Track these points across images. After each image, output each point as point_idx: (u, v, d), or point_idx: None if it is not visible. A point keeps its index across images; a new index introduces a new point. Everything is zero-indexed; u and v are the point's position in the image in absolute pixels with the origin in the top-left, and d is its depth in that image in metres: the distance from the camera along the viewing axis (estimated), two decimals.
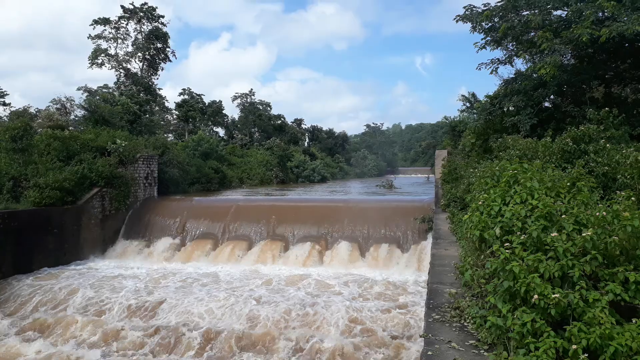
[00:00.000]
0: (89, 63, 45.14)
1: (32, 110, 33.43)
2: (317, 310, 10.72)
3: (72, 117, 32.97)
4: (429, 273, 7.96)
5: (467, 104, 31.20)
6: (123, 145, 19.85)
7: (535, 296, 4.01)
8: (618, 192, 6.16)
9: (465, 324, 5.19)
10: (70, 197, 16.84)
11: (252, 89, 71.55)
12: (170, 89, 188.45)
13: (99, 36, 45.69)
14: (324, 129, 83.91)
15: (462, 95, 30.61)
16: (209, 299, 11.61)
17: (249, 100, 68.07)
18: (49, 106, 33.26)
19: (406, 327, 10.00)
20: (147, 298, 11.89)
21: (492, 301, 4.55)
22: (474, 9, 14.51)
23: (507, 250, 4.47)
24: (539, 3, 13.57)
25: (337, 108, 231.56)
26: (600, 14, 12.08)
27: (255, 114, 64.41)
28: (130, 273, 14.75)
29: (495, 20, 14.17)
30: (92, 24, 45.29)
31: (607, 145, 9.40)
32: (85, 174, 17.61)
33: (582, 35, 11.20)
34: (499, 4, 14.17)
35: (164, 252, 17.03)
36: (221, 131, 62.95)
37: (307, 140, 78.30)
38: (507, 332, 4.19)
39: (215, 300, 11.47)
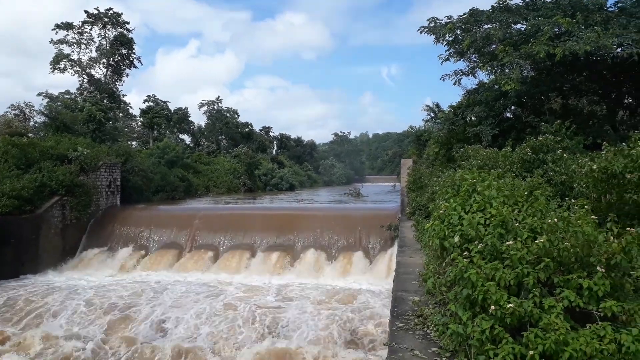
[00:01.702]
0: (51, 68, 43.92)
1: None
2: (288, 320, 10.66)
3: (31, 123, 31.97)
4: (393, 281, 8.03)
5: (432, 114, 31.85)
6: (85, 152, 19.38)
7: (492, 307, 4.10)
8: (573, 200, 6.37)
9: (429, 331, 5.25)
10: (28, 205, 16.29)
11: (219, 96, 70.75)
12: (135, 95, 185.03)
13: (61, 41, 44.49)
14: (293, 137, 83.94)
15: (427, 106, 31.25)
16: (175, 310, 11.38)
17: (216, 107, 67.45)
18: (6, 112, 32.18)
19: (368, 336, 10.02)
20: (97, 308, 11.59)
21: (453, 309, 4.61)
22: (437, 21, 14.85)
23: (465, 259, 4.56)
24: (499, 17, 14.01)
25: (305, 116, 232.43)
26: (557, 30, 12.55)
27: (223, 121, 63.83)
28: (85, 284, 14.28)
29: (458, 32, 14.54)
30: (54, 29, 44.16)
31: (564, 155, 9.74)
32: (44, 182, 17.08)
33: (539, 52, 11.62)
34: (461, 17, 14.54)
35: (126, 262, 16.62)
36: (187, 138, 62.06)
37: (275, 148, 78.09)
38: (468, 339, 4.25)
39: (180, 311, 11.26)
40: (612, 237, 4.60)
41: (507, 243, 4.65)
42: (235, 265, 15.77)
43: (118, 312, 11.36)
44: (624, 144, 7.13)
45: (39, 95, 34.91)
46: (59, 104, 33.27)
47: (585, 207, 5.35)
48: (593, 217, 4.92)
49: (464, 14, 14.69)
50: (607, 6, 13.96)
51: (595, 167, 6.94)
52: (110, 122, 36.55)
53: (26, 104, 32.67)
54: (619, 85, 14.75)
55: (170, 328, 10.61)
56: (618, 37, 11.54)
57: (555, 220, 4.64)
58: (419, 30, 15.05)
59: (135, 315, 11.21)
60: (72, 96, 40.30)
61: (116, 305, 11.76)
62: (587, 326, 4.07)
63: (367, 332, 10.12)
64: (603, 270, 4.26)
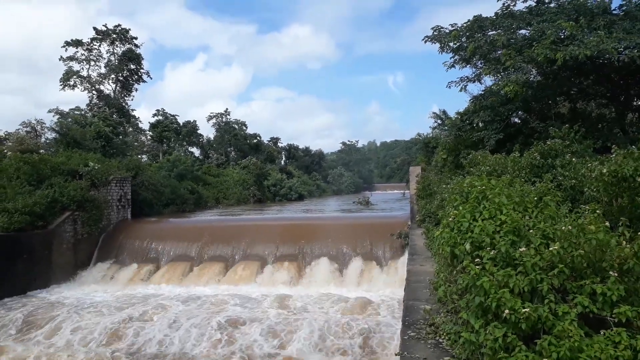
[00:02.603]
0: (61, 85, 44.59)
1: (1, 133, 32.71)
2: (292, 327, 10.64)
3: (43, 139, 32.37)
4: (404, 289, 7.99)
5: (439, 121, 31.79)
6: (95, 167, 19.57)
7: (507, 311, 4.07)
8: (583, 205, 6.33)
9: (441, 340, 5.22)
10: (40, 221, 16.45)
11: (227, 109, 71.63)
12: (145, 109, 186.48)
13: (71, 58, 45.23)
14: (300, 147, 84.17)
15: (434, 113, 31.24)
16: (182, 322, 11.39)
17: (224, 119, 67.87)
18: (18, 129, 32.62)
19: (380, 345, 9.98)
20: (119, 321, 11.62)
21: (465, 317, 4.59)
22: (442, 29, 14.89)
23: (477, 266, 4.54)
24: (503, 23, 14.03)
25: (312, 126, 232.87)
26: (561, 34, 12.53)
27: (231, 133, 64.20)
28: (99, 299, 14.34)
29: (463, 40, 14.56)
30: (64, 46, 44.85)
31: (573, 159, 9.68)
32: (56, 198, 17.25)
33: (539, 55, 11.61)
34: (465, 25, 14.57)
35: (138, 275, 16.70)
36: (196, 151, 62.47)
37: (283, 158, 78.32)
38: (481, 347, 4.22)
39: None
40: (624, 242, 4.57)
41: (520, 250, 4.63)
42: (247, 276, 15.77)
43: (126, 326, 11.40)
44: (633, 146, 7.07)
45: (49, 112, 35.43)
46: (69, 120, 33.67)
47: (597, 211, 5.32)
48: (605, 222, 4.89)
49: (468, 21, 14.73)
50: (612, 9, 13.93)
51: (605, 170, 6.89)
52: (120, 137, 36.91)
53: (37, 121, 33.13)
54: (627, 87, 14.66)
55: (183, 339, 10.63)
56: (621, 42, 11.49)
57: (570, 227, 4.61)
58: (423, 40, 15.11)
59: (147, 330, 11.24)
60: (82, 112, 40.75)
61: (128, 318, 11.80)
62: (602, 332, 4.04)
63: (379, 342, 10.07)
64: (616, 274, 4.23)
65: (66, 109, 39.17)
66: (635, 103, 15.34)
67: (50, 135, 31.85)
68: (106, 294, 15.14)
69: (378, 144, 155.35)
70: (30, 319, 12.20)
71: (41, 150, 27.10)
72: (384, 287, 14.43)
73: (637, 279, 4.47)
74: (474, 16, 14.76)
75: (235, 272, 16.10)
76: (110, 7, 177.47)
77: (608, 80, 14.63)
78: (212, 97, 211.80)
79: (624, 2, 13.84)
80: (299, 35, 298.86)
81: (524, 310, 4.04)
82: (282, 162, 74.84)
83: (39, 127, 32.95)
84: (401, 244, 15.78)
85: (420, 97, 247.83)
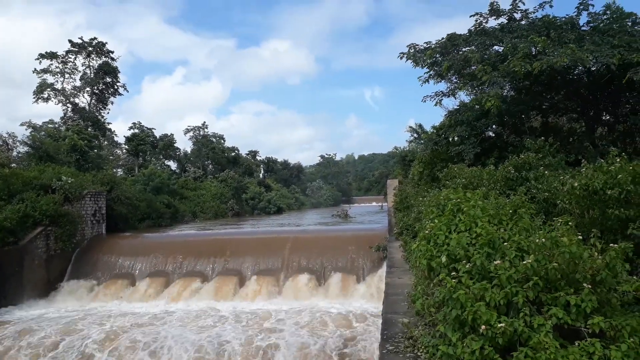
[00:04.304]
0: (34, 97, 43.77)
1: None
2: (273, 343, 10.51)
3: (14, 153, 31.62)
4: (383, 303, 7.98)
5: (415, 135, 32.24)
6: (69, 182, 19.18)
7: (483, 327, 4.10)
8: (556, 218, 6.45)
9: (419, 353, 5.21)
10: (11, 237, 16.02)
11: (205, 122, 71.18)
12: (122, 123, 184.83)
13: (45, 70, 44.50)
14: (279, 160, 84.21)
15: (410, 127, 31.68)
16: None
17: (202, 133, 67.48)
18: None
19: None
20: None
21: (442, 330, 4.61)
22: (416, 47, 15.18)
23: (453, 279, 4.57)
24: (476, 41, 14.36)
25: (292, 140, 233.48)
26: (533, 49, 12.87)
27: (209, 146, 63.81)
28: (72, 316, 13.97)
29: (437, 56, 14.84)
30: (38, 58, 44.15)
31: (546, 172, 9.89)
32: (27, 213, 16.82)
33: (515, 67, 11.90)
34: (439, 42, 14.88)
35: (112, 292, 16.31)
36: (173, 165, 61.86)
37: (262, 171, 78.11)
38: None
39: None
40: (596, 253, 4.67)
41: (495, 262, 4.68)
42: (224, 292, 15.56)
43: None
44: (602, 160, 7.26)
45: (22, 125, 34.65)
46: (42, 133, 33.04)
47: (569, 223, 5.43)
48: (578, 234, 4.99)
49: (442, 38, 15.03)
50: (580, 25, 14.40)
51: (576, 184, 7.06)
52: (95, 151, 36.33)
53: (9, 134, 32.35)
54: (597, 102, 15.10)
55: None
56: (593, 53, 11.87)
57: (543, 240, 4.69)
58: (399, 56, 15.36)
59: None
60: (56, 125, 40.04)
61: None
62: (576, 343, 4.10)
63: (358, 355, 10.02)
64: (589, 286, 4.31)
65: (40, 122, 38.49)
66: (604, 117, 15.79)
67: (23, 148, 31.19)
68: (79, 311, 14.72)
69: (356, 157, 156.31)
70: None
71: (12, 165, 26.45)
72: (362, 300, 14.40)
73: (610, 289, 4.56)
74: (448, 34, 15.11)
75: (214, 288, 15.86)
76: (88, 20, 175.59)
77: (578, 95, 15.06)
78: (191, 111, 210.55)
79: (590, 19, 14.33)
80: (278, 50, 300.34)
81: (500, 325, 4.08)
82: (261, 176, 74.64)
83: (10, 140, 32.19)
84: (380, 256, 15.81)
85: (397, 111, 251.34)
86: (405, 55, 15.23)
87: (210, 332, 11.61)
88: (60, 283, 17.37)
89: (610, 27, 13.51)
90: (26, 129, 35.09)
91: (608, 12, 14.01)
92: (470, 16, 15.20)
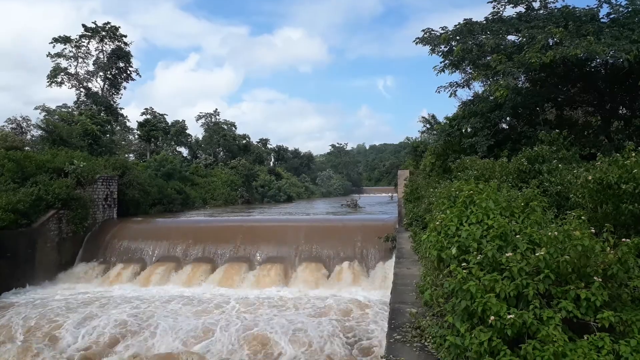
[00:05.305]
0: (48, 82, 44.10)
1: None
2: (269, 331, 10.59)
3: (28, 137, 31.99)
4: (391, 292, 8.00)
5: (428, 126, 32.04)
6: (81, 166, 19.34)
7: (492, 317, 4.09)
8: (569, 211, 6.39)
9: (426, 343, 5.23)
10: (24, 219, 16.20)
11: (216, 109, 71.66)
12: (135, 108, 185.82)
13: (59, 55, 44.77)
14: (290, 148, 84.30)
15: (423, 117, 31.47)
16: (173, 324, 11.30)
17: (213, 120, 67.66)
18: (3, 126, 32.21)
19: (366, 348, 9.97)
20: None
21: (450, 320, 4.61)
22: (432, 32, 14.97)
23: (464, 270, 4.56)
24: (492, 27, 14.14)
25: (303, 128, 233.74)
26: (550, 40, 12.66)
27: (220, 133, 64.00)
28: (82, 298, 14.16)
29: (453, 44, 14.65)
30: (52, 42, 44.41)
31: (559, 165, 9.78)
32: (40, 196, 17.00)
33: (531, 59, 11.73)
34: (455, 28, 14.67)
35: (123, 275, 16.50)
36: (185, 151, 62.20)
37: (272, 160, 78.30)
38: (466, 351, 4.24)
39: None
40: (608, 248, 4.62)
41: (506, 255, 4.65)
42: (232, 279, 15.68)
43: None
44: (617, 154, 7.15)
45: (36, 109, 34.93)
46: (56, 117, 33.31)
47: (582, 217, 5.37)
48: (590, 228, 4.94)
49: (458, 24, 14.81)
50: (600, 17, 14.12)
51: (590, 177, 6.97)
52: (107, 135, 36.59)
53: (23, 118, 32.74)
54: (614, 95, 14.85)
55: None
56: (610, 47, 11.64)
57: (555, 233, 4.65)
58: (414, 41, 15.16)
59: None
60: (69, 109, 40.33)
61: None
62: (585, 337, 4.08)
63: (365, 345, 10.06)
64: (600, 280, 4.27)
65: (53, 106, 38.79)
66: (620, 111, 15.53)
67: (36, 132, 31.54)
68: (90, 294, 14.93)
69: (367, 147, 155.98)
70: None
71: (26, 148, 26.76)
72: (371, 289, 14.44)
73: (621, 284, 4.53)
74: (464, 19, 14.87)
75: (223, 273, 15.99)
76: (103, 6, 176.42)
77: (595, 88, 14.82)
78: (203, 97, 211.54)
79: (611, 11, 14.03)
80: (291, 38, 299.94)
81: (509, 316, 4.07)
82: (271, 164, 74.79)
83: (24, 124, 32.58)
84: (389, 246, 15.81)
85: (410, 101, 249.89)
86: (420, 41, 15.04)
87: (218, 317, 11.74)
88: (71, 266, 17.62)
89: (632, 20, 13.22)
90: (40, 113, 35.39)
91: (630, 5, 13.68)
92: (488, 2, 14.99)
